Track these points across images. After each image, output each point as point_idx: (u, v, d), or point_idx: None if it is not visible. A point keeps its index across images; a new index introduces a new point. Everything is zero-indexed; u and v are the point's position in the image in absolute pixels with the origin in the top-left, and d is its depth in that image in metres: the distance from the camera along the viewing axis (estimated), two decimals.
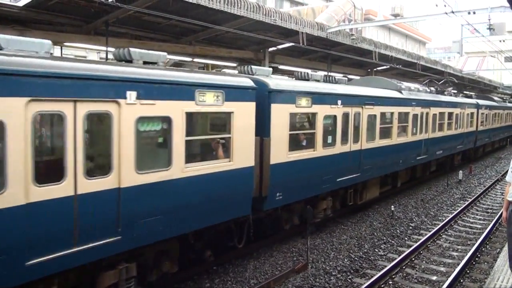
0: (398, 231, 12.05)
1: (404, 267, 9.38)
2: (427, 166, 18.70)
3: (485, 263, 9.74)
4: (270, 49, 16.14)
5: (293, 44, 14.48)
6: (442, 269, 9.41)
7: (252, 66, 9.40)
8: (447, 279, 8.47)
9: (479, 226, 12.67)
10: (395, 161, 14.43)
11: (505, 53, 33.47)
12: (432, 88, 19.61)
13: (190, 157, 7.07)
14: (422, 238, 11.17)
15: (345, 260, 9.71)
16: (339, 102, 10.87)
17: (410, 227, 12.47)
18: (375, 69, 22.69)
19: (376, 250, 10.49)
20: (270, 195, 8.90)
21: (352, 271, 9.14)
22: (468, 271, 9.24)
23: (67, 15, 10.78)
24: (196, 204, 7.15)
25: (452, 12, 12.68)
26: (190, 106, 6.94)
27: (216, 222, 7.79)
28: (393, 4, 63.18)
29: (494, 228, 12.16)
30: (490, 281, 6.80)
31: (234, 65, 16.92)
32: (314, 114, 10.10)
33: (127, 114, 6.00)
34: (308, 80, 10.89)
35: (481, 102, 25.86)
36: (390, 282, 8.66)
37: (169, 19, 10.78)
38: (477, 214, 14.18)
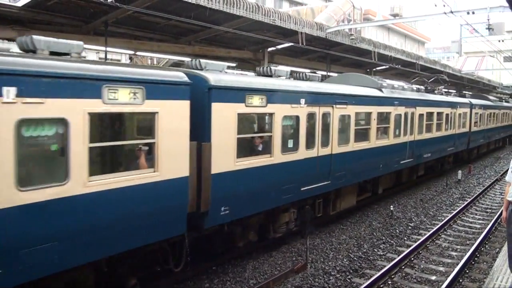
0: (397, 231, 12.05)
1: (403, 267, 9.38)
2: (414, 170, 17.38)
3: (484, 263, 9.74)
4: (269, 49, 16.16)
5: (292, 44, 14.49)
6: (441, 269, 9.42)
7: (201, 60, 8.14)
8: (446, 279, 8.48)
9: (478, 226, 12.68)
10: (374, 166, 13.11)
11: (504, 53, 33.55)
12: (421, 87, 18.43)
13: (97, 168, 5.85)
14: (421, 238, 11.17)
15: (344, 260, 9.71)
16: (303, 101, 9.54)
17: (409, 227, 12.48)
18: (374, 69, 22.71)
19: (375, 250, 10.50)
20: (213, 210, 7.55)
21: (351, 271, 9.14)
22: (467, 271, 9.25)
23: (66, 15, 10.79)
24: (107, 225, 5.89)
25: (451, 12, 12.70)
26: (95, 106, 5.61)
27: (138, 245, 6.49)
28: (392, 4, 63.35)
29: (493, 228, 12.18)
30: (490, 281, 6.81)
31: (234, 65, 16.94)
32: (270, 115, 8.81)
33: (4, 116, 4.81)
34: (271, 76, 9.69)
35: (474, 101, 24.50)
36: (390, 282, 8.66)
37: (168, 19, 10.79)
38: (476, 214, 14.19)
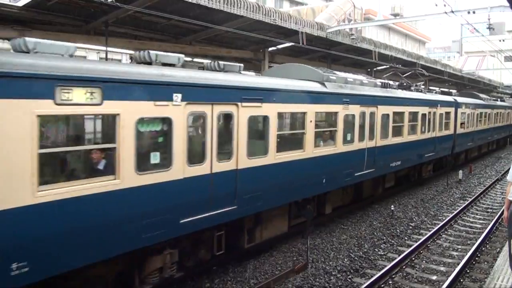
0: (398, 230, 12.05)
1: (404, 267, 9.37)
2: (379, 182, 14.66)
3: (485, 263, 9.74)
4: (270, 49, 16.18)
5: (293, 44, 14.50)
6: (442, 268, 9.41)
7: (28, 39, 5.70)
8: (447, 279, 8.48)
9: (479, 226, 12.68)
10: (314, 181, 10.26)
11: (505, 52, 33.52)
12: (394, 82, 16.25)
13: None
14: (422, 237, 11.16)
15: (345, 259, 9.71)
16: (178, 96, 6.75)
17: (410, 227, 12.48)
18: (374, 69, 22.72)
19: (376, 249, 10.49)
20: None
21: (352, 270, 9.14)
22: (468, 271, 9.24)
23: (67, 15, 10.81)
24: None
25: (452, 11, 12.70)
26: None
27: None
28: (393, 4, 63.22)
29: (494, 228, 12.17)
30: (490, 280, 6.80)
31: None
32: (112, 118, 6.00)
33: None
34: (150, 63, 7.05)
35: (461, 99, 21.62)
36: (390, 282, 8.66)
37: (168, 19, 10.79)
38: (477, 214, 14.19)
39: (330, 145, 10.83)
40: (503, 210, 6.87)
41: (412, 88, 17.22)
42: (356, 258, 9.85)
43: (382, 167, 13.41)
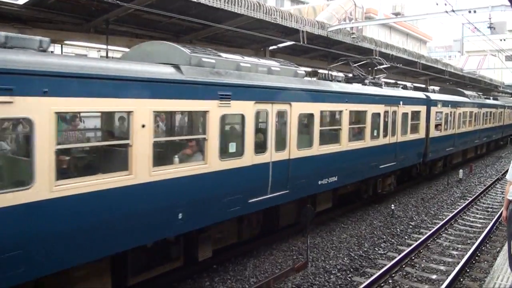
0: (398, 230, 12.05)
1: (404, 266, 9.38)
2: (306, 205, 10.19)
3: (485, 262, 9.74)
4: (271, 47, 16.15)
5: (293, 42, 14.48)
6: (442, 268, 9.42)
7: None
8: (447, 278, 8.48)
9: (479, 225, 12.68)
10: (157, 220, 6.65)
11: (506, 52, 33.48)
12: (337, 73, 13.69)
13: None
14: (422, 237, 11.16)
15: (345, 258, 9.72)
16: None
17: (410, 226, 12.48)
18: (375, 68, 22.68)
19: (376, 248, 10.50)
20: None
21: (352, 269, 9.15)
22: (468, 270, 9.25)
23: (68, 13, 10.80)
24: None
25: (453, 10, 12.68)
26: None
27: None
28: (394, 3, 63.25)
29: (494, 227, 12.17)
30: (490, 280, 6.81)
31: None
32: None
33: None
34: None
35: (435, 96, 18.24)
36: (390, 281, 8.66)
37: (169, 17, 10.79)
38: (477, 213, 14.19)
39: (196, 160, 7.31)
40: (502, 210, 6.87)
41: (367, 81, 13.65)
42: (356, 257, 9.86)
43: (302, 186, 9.76)
